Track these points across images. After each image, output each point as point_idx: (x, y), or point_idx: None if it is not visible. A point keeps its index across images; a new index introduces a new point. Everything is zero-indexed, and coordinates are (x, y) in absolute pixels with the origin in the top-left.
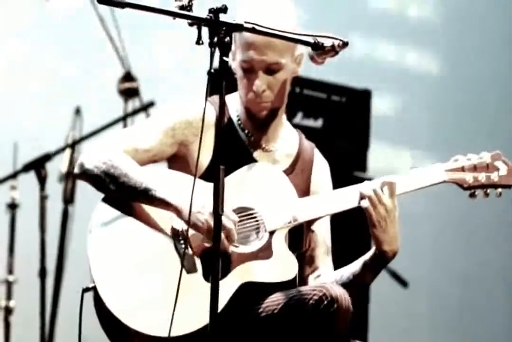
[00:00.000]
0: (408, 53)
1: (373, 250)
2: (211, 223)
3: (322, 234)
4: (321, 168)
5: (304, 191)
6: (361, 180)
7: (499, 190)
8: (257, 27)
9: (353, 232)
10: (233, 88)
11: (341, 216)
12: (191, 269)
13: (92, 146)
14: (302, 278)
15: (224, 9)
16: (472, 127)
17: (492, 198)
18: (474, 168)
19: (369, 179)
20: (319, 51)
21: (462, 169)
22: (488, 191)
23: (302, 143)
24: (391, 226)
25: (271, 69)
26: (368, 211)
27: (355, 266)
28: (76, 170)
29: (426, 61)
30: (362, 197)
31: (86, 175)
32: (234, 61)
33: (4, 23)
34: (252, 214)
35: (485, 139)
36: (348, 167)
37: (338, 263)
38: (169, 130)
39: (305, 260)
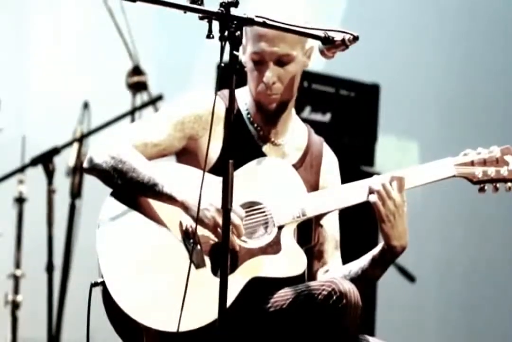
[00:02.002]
0: (417, 46)
1: (381, 245)
2: (218, 219)
3: (331, 229)
4: (330, 163)
5: (313, 185)
6: (369, 174)
7: (509, 184)
8: (268, 21)
9: (362, 226)
10: (242, 82)
11: (349, 211)
12: (200, 264)
13: (102, 141)
14: (311, 273)
15: (235, 3)
16: (481, 121)
17: (502, 193)
18: (484, 162)
19: (377, 173)
20: (329, 45)
21: (472, 163)
22: (498, 185)
23: (311, 138)
24: (400, 220)
25: (282, 61)
26: (377, 205)
27: (364, 261)
28: (85, 164)
29: (436, 54)
30: (371, 192)
31: (95, 170)
32: (244, 54)
33: (10, 17)
34: (260, 208)
35: (495, 133)
36: (356, 161)
37: (346, 258)
38: (178, 124)
39: (314, 255)
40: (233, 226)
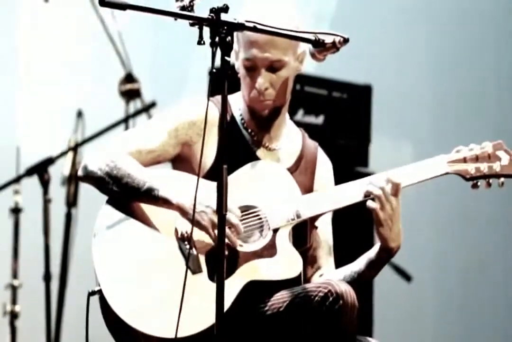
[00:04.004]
0: (408, 46)
1: (377, 247)
2: (215, 221)
3: (324, 234)
4: (324, 167)
5: (307, 189)
6: (363, 175)
7: (502, 179)
8: (258, 26)
9: (355, 228)
10: (235, 88)
11: (342, 211)
12: (196, 270)
13: (96, 149)
14: (305, 278)
15: (225, 9)
16: (473, 118)
17: (497, 191)
18: (476, 158)
19: (371, 174)
20: (320, 48)
21: (464, 160)
22: (491, 181)
23: (305, 142)
24: (396, 223)
25: (274, 67)
26: (376, 211)
27: (359, 264)
28: (80, 172)
29: (427, 54)
30: (367, 195)
31: (90, 177)
32: (237, 61)
33: (3, 25)
34: (255, 212)
35: (487, 129)
36: (350, 162)
37: (341, 259)
38: (172, 131)
39: (307, 260)
40: (231, 225)
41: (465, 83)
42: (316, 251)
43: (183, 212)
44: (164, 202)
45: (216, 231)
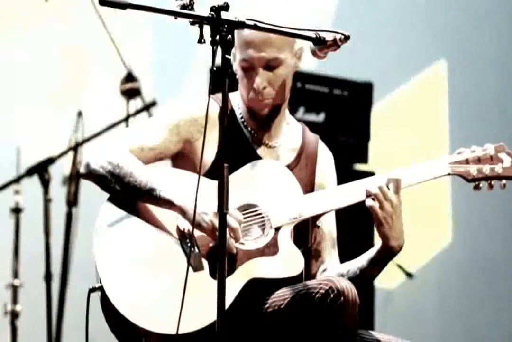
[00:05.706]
0: (409, 43)
1: (379, 245)
2: (216, 223)
3: (328, 228)
4: (325, 159)
5: (308, 184)
6: (362, 172)
7: (503, 181)
8: (259, 24)
9: (357, 225)
10: (235, 86)
11: (345, 211)
12: (198, 267)
13: (98, 146)
14: (309, 273)
15: (225, 7)
16: (475, 119)
17: (500, 190)
18: (478, 160)
19: (370, 171)
20: (321, 45)
21: (466, 161)
22: (493, 182)
23: (306, 136)
24: (397, 221)
25: (271, 66)
26: (374, 209)
27: (362, 261)
28: (82, 170)
29: (428, 51)
30: (368, 195)
31: (92, 175)
32: (234, 62)
33: (3, 24)
34: (257, 210)
35: (488, 131)
36: (350, 159)
37: (342, 257)
38: (174, 128)
39: (312, 254)
40: (231, 230)
41: (465, 83)
42: (320, 245)
43: (183, 213)
44: (165, 203)
45: (217, 233)
